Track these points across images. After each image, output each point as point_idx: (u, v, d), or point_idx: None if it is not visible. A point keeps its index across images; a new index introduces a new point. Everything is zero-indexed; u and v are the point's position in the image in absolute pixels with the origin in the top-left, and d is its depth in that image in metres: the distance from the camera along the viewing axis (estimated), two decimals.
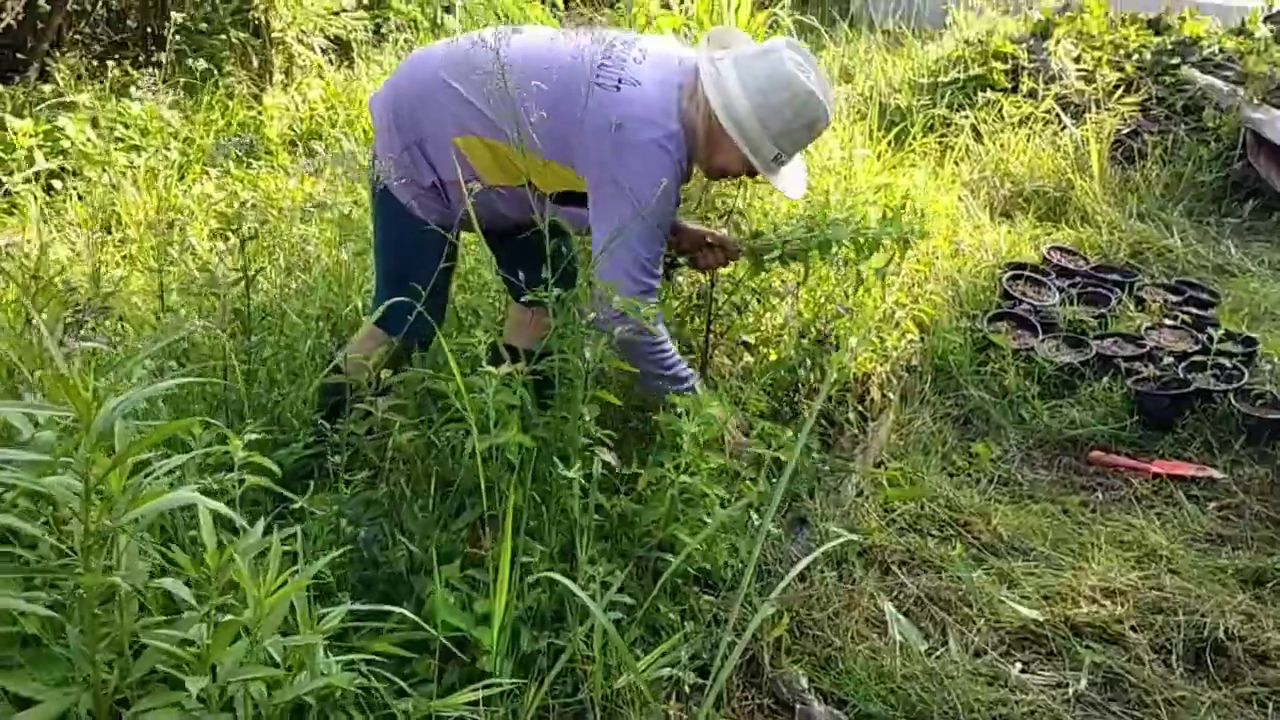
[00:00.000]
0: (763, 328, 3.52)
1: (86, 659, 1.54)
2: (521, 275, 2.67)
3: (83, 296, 2.29)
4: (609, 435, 2.41)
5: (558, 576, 1.99)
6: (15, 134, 5.08)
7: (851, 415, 3.61)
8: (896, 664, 2.60)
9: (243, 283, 2.61)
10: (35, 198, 4.76)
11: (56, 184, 4.95)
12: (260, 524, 1.80)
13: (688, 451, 2.40)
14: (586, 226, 2.67)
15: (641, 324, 2.47)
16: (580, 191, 2.66)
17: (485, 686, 1.87)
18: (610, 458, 2.40)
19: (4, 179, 4.78)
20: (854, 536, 2.92)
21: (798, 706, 2.48)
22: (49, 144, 5.11)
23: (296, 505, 2.02)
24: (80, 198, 4.81)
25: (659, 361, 2.72)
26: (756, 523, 2.47)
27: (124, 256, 4.37)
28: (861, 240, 2.99)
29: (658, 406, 2.73)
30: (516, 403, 2.22)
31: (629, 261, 2.57)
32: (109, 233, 4.63)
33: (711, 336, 3.26)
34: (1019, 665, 2.68)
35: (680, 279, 3.29)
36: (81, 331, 2.09)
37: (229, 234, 4.08)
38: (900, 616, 2.77)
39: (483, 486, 2.10)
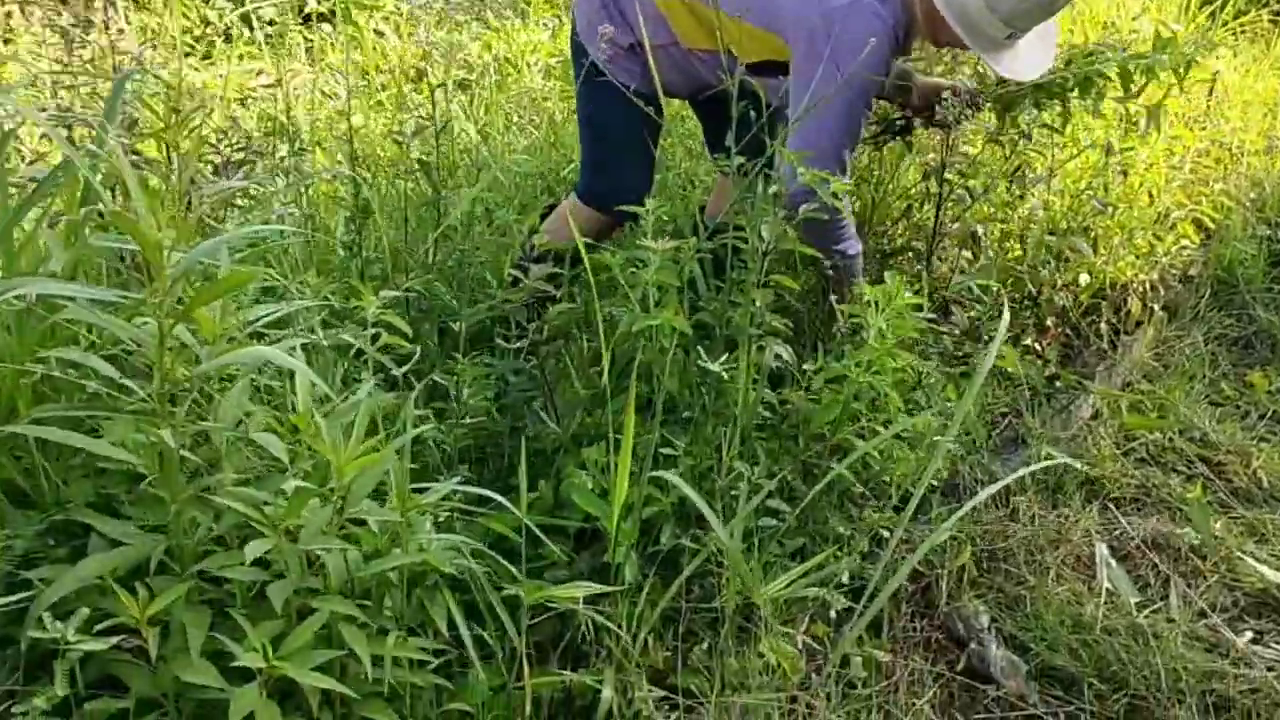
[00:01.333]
0: (1008, 219, 3.12)
1: (166, 508, 1.50)
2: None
3: (256, 137, 2.25)
4: (784, 324, 2.18)
5: (671, 477, 1.80)
6: None
7: (1103, 327, 3.19)
8: (1099, 614, 2.28)
9: (430, 131, 2.50)
10: (304, 40, 4.88)
11: (326, 27, 5.05)
12: (367, 386, 1.71)
13: (871, 347, 2.13)
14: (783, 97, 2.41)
15: (827, 201, 2.20)
16: (782, 60, 2.39)
17: (588, 584, 1.72)
18: (784, 350, 2.17)
19: (275, 19, 4.91)
20: (1075, 463, 2.58)
21: (971, 645, 2.23)
22: None
23: (402, 371, 1.91)
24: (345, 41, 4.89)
25: (837, 240, 2.52)
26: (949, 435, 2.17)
27: (375, 103, 4.41)
28: (1131, 68, 2.54)
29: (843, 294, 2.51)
30: (677, 282, 2.03)
31: (823, 134, 2.30)
32: (365, 78, 4.69)
33: (940, 225, 2.91)
34: (1249, 634, 2.30)
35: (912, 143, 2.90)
36: (241, 171, 2.04)
37: (469, 84, 4.02)
38: (1113, 561, 2.43)
39: (606, 371, 1.93)
